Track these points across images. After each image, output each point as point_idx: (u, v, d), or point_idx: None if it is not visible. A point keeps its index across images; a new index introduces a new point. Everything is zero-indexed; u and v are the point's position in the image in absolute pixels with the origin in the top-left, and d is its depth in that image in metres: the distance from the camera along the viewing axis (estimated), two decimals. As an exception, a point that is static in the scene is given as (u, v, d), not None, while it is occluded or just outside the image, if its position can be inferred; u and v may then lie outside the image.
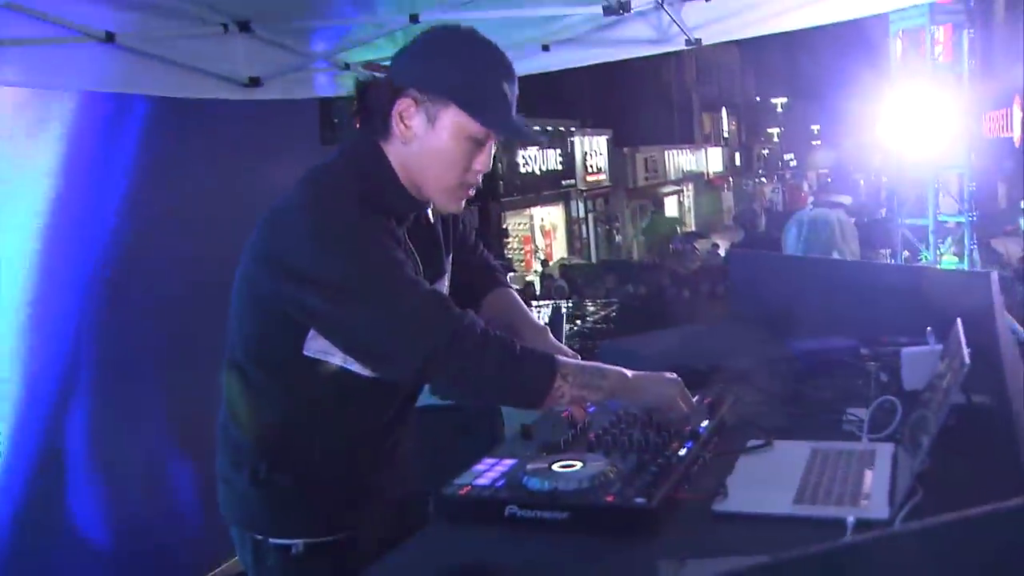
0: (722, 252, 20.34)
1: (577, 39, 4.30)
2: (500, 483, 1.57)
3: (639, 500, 1.44)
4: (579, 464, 1.57)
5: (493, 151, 1.75)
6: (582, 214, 23.84)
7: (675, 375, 1.79)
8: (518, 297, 2.12)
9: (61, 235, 3.23)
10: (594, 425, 1.83)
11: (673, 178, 29.10)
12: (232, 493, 1.82)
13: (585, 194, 23.31)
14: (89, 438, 3.30)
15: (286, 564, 1.75)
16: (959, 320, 1.68)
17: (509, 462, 1.66)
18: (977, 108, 9.52)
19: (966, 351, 1.47)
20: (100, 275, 3.26)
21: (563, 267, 17.91)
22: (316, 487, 1.77)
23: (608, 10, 3.40)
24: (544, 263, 19.58)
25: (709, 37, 4.39)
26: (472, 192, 1.77)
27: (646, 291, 14.49)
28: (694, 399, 1.88)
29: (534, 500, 1.49)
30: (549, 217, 22.33)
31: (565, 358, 1.70)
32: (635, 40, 4.40)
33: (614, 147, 24.19)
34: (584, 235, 23.81)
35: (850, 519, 1.37)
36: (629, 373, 1.74)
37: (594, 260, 22.13)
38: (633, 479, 1.53)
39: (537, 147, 19.23)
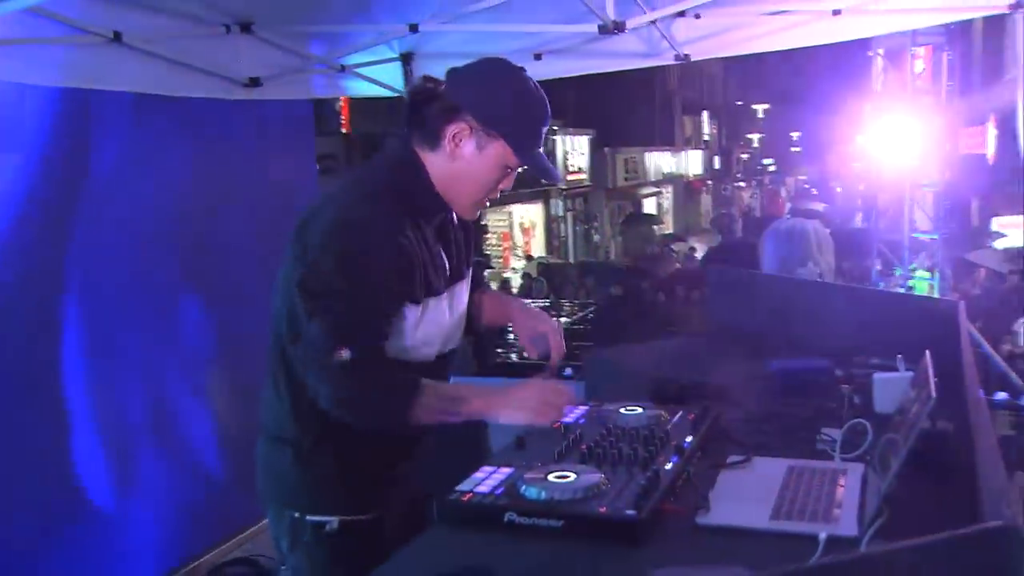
0: (699, 256, 20.55)
1: (569, 50, 4.41)
2: (499, 491, 1.68)
3: (629, 512, 1.56)
4: (573, 475, 1.68)
5: (514, 177, 1.98)
6: (561, 213, 23.98)
7: (542, 383, 1.97)
8: (492, 293, 2.38)
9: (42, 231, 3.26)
10: (585, 437, 1.94)
11: (653, 179, 29.27)
12: (271, 472, 2.00)
13: (565, 193, 23.43)
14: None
15: (321, 540, 1.93)
16: (928, 353, 1.81)
17: (507, 470, 1.77)
18: (953, 126, 9.75)
19: (933, 384, 1.60)
20: (77, 272, 3.29)
21: (541, 266, 18.03)
22: (352, 468, 1.93)
23: (603, 29, 3.52)
24: (528, 258, 19.71)
25: (697, 53, 4.52)
26: (488, 205, 2.00)
27: (623, 293, 14.65)
28: (677, 415, 2.04)
29: (531, 508, 1.61)
30: (528, 214, 22.43)
31: (433, 384, 1.85)
32: (626, 53, 4.52)
33: (595, 147, 24.30)
34: (563, 234, 23.94)
35: (822, 535, 1.49)
36: (489, 393, 1.91)
37: (571, 259, 22.27)
38: (623, 491, 1.65)
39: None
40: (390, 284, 1.83)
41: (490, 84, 1.91)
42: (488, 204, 2.02)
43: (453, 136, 1.88)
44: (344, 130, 14.64)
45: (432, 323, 1.94)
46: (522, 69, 1.93)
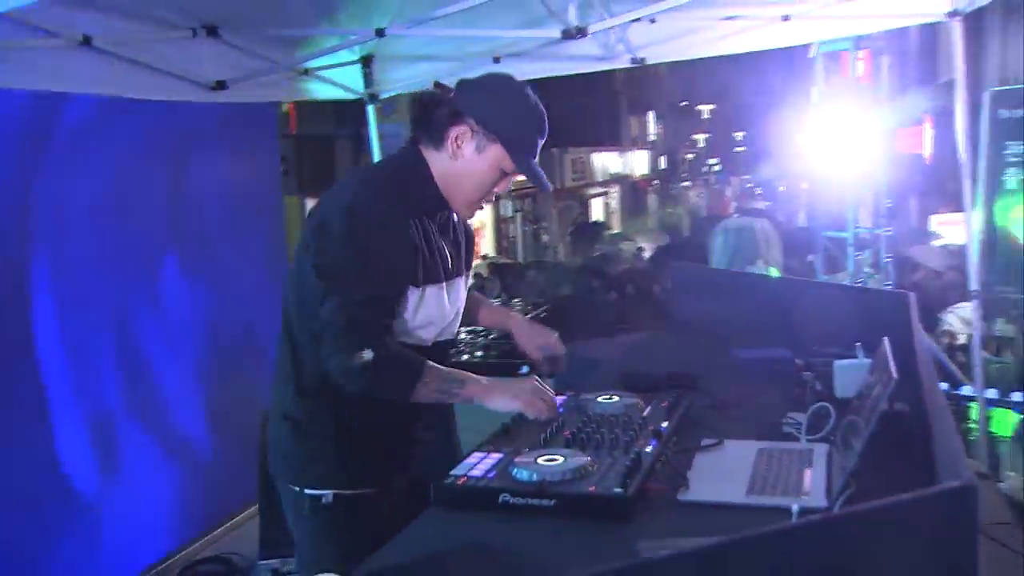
0: (647, 255, 20.82)
1: (527, 53, 4.50)
2: (492, 474, 1.79)
3: (617, 490, 1.68)
4: (561, 459, 1.79)
5: (510, 182, 2.15)
6: (510, 213, 24.10)
7: (531, 380, 2.12)
8: (479, 296, 2.57)
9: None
10: (567, 425, 2.06)
11: (600, 180, 29.54)
12: (279, 449, 2.16)
13: (513, 193, 23.56)
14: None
15: (318, 512, 2.08)
16: (886, 339, 1.95)
17: (496, 456, 1.88)
18: (892, 127, 10.08)
19: (894, 367, 1.74)
20: (46, 271, 3.32)
21: (492, 265, 18.12)
22: (348, 445, 2.08)
23: (566, 34, 3.64)
24: (483, 257, 19.79)
25: (653, 56, 4.67)
26: (483, 207, 2.19)
27: (573, 292, 14.82)
28: (652, 403, 2.19)
29: (524, 489, 1.72)
30: (478, 215, 22.47)
31: (434, 366, 2.00)
32: (583, 57, 4.63)
33: (543, 147, 24.43)
34: (511, 234, 24.08)
35: (795, 507, 1.62)
36: (484, 381, 2.06)
37: (521, 259, 22.41)
38: (609, 472, 1.76)
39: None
40: (394, 265, 1.98)
41: (494, 93, 2.09)
42: (483, 207, 2.18)
43: (456, 137, 2.05)
44: (292, 132, 14.61)
45: (432, 307, 2.07)
46: (525, 84, 2.11)
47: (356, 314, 1.91)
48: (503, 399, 2.04)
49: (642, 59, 4.58)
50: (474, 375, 2.05)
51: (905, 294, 2.58)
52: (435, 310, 2.08)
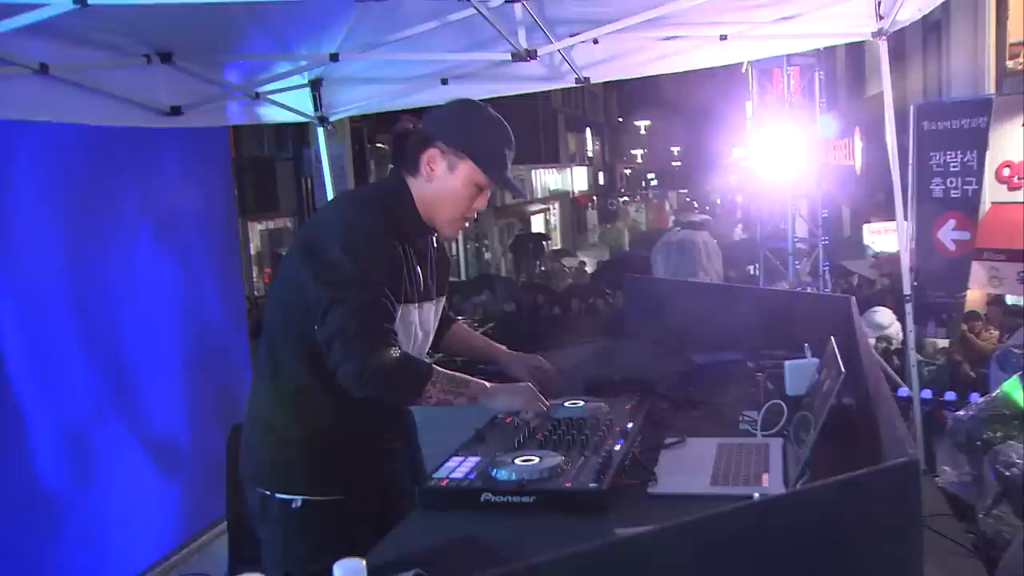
0: (589, 269, 21.10)
1: (474, 75, 4.63)
2: (472, 475, 1.91)
3: (592, 485, 1.80)
4: (537, 459, 1.91)
5: (488, 196, 2.27)
6: (452, 231, 24.19)
7: (528, 385, 2.30)
8: (465, 326, 2.79)
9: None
10: (539, 428, 2.18)
11: (540, 196, 29.84)
12: (250, 452, 2.27)
13: (454, 212, 23.64)
14: None
15: (287, 516, 2.17)
16: (832, 339, 2.11)
17: (474, 459, 1.99)
18: (824, 140, 10.45)
19: (842, 362, 1.89)
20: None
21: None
22: (317, 452, 2.18)
23: (516, 57, 3.77)
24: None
25: (597, 76, 4.81)
26: (467, 225, 2.31)
27: (516, 309, 14.97)
28: (614, 408, 2.34)
29: (504, 488, 1.83)
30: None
31: (440, 369, 2.15)
32: (529, 77, 4.76)
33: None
34: (454, 252, 24.20)
35: (756, 495, 1.76)
36: (488, 385, 2.22)
37: (464, 276, 22.51)
38: (582, 469, 1.89)
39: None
40: (388, 275, 2.10)
41: (455, 115, 2.25)
42: (467, 225, 2.32)
43: (428, 161, 2.20)
44: (232, 154, 14.54)
45: (403, 328, 2.17)
46: (484, 105, 2.27)
47: (366, 320, 2.02)
48: (505, 399, 2.23)
49: (586, 78, 4.72)
50: (476, 378, 2.19)
51: (847, 298, 2.76)
52: (404, 332, 2.18)
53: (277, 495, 2.18)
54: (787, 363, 2.42)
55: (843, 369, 1.84)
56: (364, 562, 1.03)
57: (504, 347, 2.65)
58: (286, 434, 2.20)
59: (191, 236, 4.33)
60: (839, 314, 2.64)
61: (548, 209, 31.38)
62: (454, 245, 24.17)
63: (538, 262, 22.44)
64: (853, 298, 2.73)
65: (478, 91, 4.86)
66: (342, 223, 2.14)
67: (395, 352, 2.05)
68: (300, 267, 2.13)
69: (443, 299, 2.42)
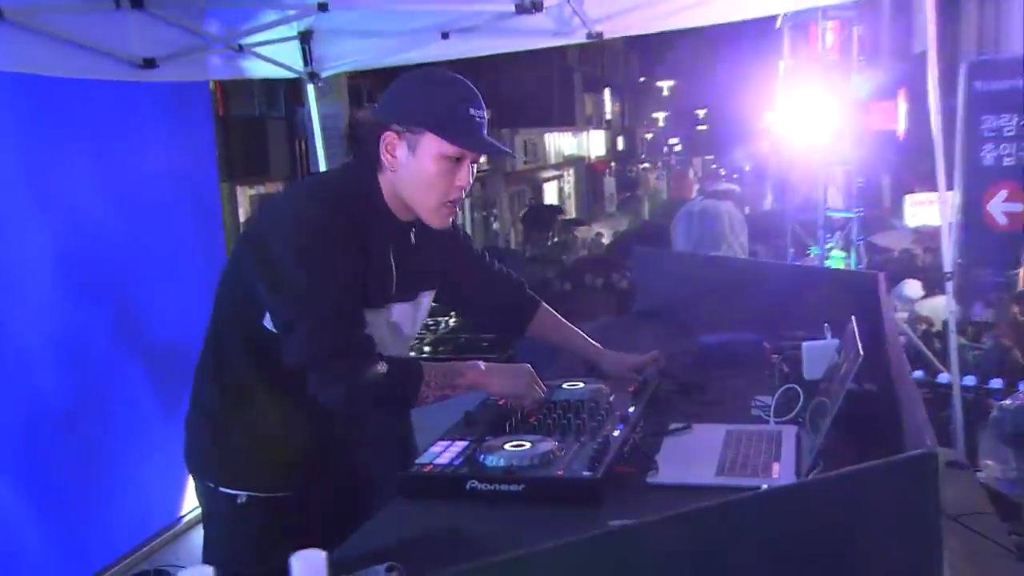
0: (606, 241, 21.03)
1: (477, 28, 4.58)
2: (458, 461, 1.91)
3: (586, 473, 1.80)
4: (528, 444, 1.91)
5: (474, 170, 2.16)
6: (458, 199, 24.17)
7: (527, 366, 2.26)
8: (552, 310, 2.65)
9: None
10: (533, 411, 2.18)
11: (553, 162, 29.76)
12: (193, 443, 2.25)
13: (460, 178, 23.60)
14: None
15: (233, 512, 2.16)
16: (853, 318, 2.10)
17: (462, 443, 2.00)
18: (863, 102, 10.33)
19: (860, 345, 1.88)
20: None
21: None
22: (263, 448, 2.16)
23: (521, 8, 3.74)
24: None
25: (610, 31, 4.75)
26: (457, 208, 2.18)
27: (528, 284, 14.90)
28: (616, 390, 2.33)
29: (492, 475, 1.83)
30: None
31: (428, 363, 2.10)
32: (537, 31, 4.70)
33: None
34: (460, 221, 24.14)
35: (764, 486, 1.75)
36: (483, 366, 2.17)
37: (470, 248, 22.46)
38: (577, 456, 1.89)
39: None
40: (348, 277, 2.03)
41: (400, 89, 2.13)
42: (456, 209, 2.19)
43: (386, 148, 2.09)
44: (220, 113, 14.54)
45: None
46: (438, 68, 2.22)
47: (335, 336, 1.97)
48: (501, 381, 2.20)
49: (599, 33, 4.66)
50: (468, 362, 2.16)
51: (874, 274, 2.73)
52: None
53: (221, 488, 2.17)
54: (804, 344, 2.41)
55: (861, 352, 1.83)
56: (325, 554, 1.02)
57: (596, 343, 2.59)
58: (229, 424, 2.18)
59: (167, 203, 4.32)
60: (865, 292, 2.62)
61: (562, 176, 31.30)
62: (460, 213, 24.18)
63: (551, 233, 22.37)
64: (882, 274, 2.70)
65: (482, 46, 4.85)
66: (292, 221, 2.05)
67: (378, 365, 2.00)
68: (249, 265, 2.08)
69: (429, 294, 2.35)
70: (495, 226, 26.02)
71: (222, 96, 14.82)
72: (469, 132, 2.09)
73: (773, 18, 9.87)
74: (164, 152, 4.32)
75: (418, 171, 2.08)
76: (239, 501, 2.15)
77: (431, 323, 10.90)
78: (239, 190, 16.80)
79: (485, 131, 2.14)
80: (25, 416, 3.55)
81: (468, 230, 24.55)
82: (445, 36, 4.59)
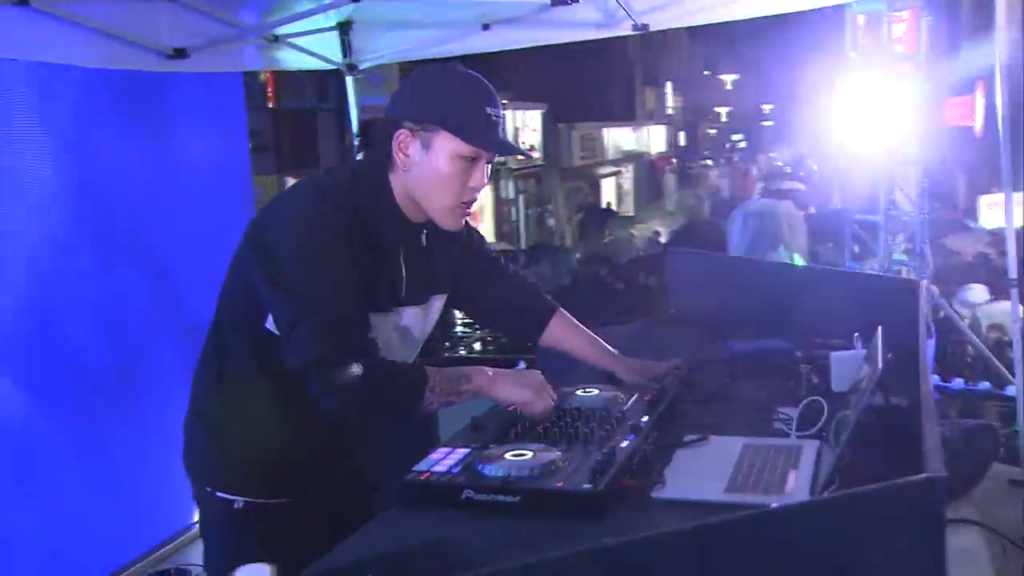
0: (663, 240, 20.87)
1: (519, 19, 4.57)
2: (456, 469, 1.89)
3: (586, 486, 1.77)
4: (530, 453, 1.89)
5: (489, 171, 2.14)
6: (512, 195, 24.15)
7: (537, 373, 2.22)
8: (570, 318, 2.62)
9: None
10: (543, 419, 2.15)
11: (611, 158, 29.56)
12: (191, 445, 2.27)
13: (515, 173, 23.60)
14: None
15: (230, 516, 2.17)
16: (879, 328, 2.04)
17: (463, 451, 1.98)
18: (936, 98, 10.09)
19: (881, 357, 1.83)
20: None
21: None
22: (261, 453, 2.15)
23: (556, 0, 3.71)
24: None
25: (657, 23, 4.68)
26: (471, 210, 2.17)
27: (577, 282, 14.85)
28: (633, 397, 2.30)
29: (489, 485, 1.81)
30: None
31: (433, 369, 2.08)
32: (580, 23, 4.67)
33: (548, 123, 24.51)
34: (514, 218, 24.15)
35: (774, 504, 1.71)
36: (490, 372, 2.15)
37: (524, 245, 22.45)
38: (580, 468, 1.86)
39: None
40: (350, 277, 2.03)
41: (414, 85, 2.13)
42: (470, 210, 2.18)
43: (399, 146, 2.08)
44: (271, 105, 14.74)
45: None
46: (449, 63, 2.18)
47: (337, 339, 1.96)
48: (508, 388, 2.14)
49: (644, 25, 4.59)
50: (475, 367, 2.14)
51: (915, 282, 2.67)
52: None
53: (218, 493, 2.18)
54: (832, 355, 2.36)
55: (880, 364, 1.78)
56: (269, 568, 1.01)
57: (614, 350, 2.56)
58: (227, 426, 2.19)
59: (197, 198, 4.35)
60: (904, 300, 2.55)
61: (620, 172, 31.10)
62: (513, 209, 24.17)
63: (607, 230, 22.27)
64: (924, 281, 2.64)
65: (523, 38, 4.84)
66: (292, 219, 2.05)
67: (382, 367, 2.00)
68: (251, 265, 2.08)
69: (440, 298, 2.34)
70: (550, 223, 25.94)
71: (274, 87, 15.01)
72: (485, 131, 2.08)
73: (840, 11, 9.71)
74: (196, 145, 4.35)
75: (431, 170, 2.08)
76: (236, 506, 2.16)
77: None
78: (288, 182, 16.98)
79: (501, 131, 2.12)
80: (47, 409, 3.59)
81: (522, 226, 24.56)
82: (486, 27, 4.59)
